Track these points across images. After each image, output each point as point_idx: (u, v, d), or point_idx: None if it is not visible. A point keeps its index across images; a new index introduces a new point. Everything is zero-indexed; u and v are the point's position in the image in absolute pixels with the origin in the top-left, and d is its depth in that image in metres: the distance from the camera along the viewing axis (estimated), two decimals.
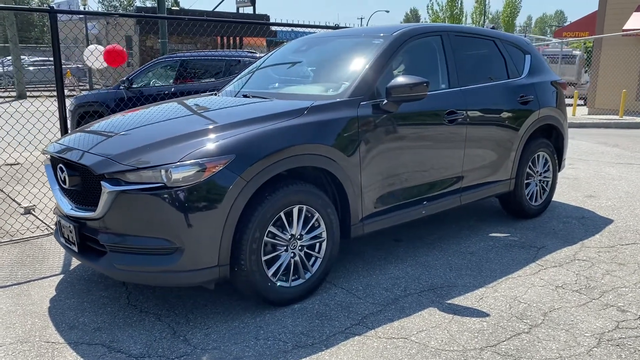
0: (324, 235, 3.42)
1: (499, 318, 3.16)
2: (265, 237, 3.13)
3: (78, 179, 3.20)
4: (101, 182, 2.96)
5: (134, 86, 8.65)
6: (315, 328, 3.06)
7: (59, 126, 4.81)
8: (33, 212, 5.30)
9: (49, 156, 3.58)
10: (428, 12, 55.05)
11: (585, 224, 4.91)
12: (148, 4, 63.88)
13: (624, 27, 14.82)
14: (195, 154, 2.92)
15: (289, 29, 7.58)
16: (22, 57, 25.54)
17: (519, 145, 4.68)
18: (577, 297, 3.44)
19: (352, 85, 3.65)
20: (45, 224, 4.93)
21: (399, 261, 4.04)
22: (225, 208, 2.93)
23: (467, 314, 3.21)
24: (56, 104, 4.73)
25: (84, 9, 25.53)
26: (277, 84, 4.27)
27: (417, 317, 3.18)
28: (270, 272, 3.19)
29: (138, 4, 59.72)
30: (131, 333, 3.02)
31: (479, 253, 4.19)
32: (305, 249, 3.35)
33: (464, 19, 52.66)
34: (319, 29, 6.26)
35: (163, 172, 2.87)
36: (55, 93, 4.73)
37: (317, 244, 3.42)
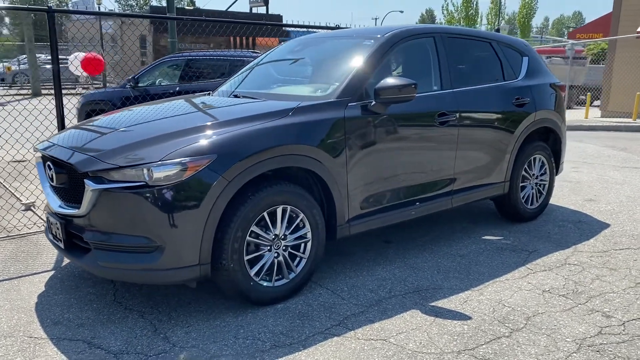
0: (309, 235, 3.43)
1: (480, 321, 3.15)
2: (248, 237, 3.14)
3: (65, 177, 3.24)
4: (84, 180, 3.00)
5: (139, 85, 8.74)
6: (295, 328, 3.07)
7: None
8: (33, 209, 5.38)
9: (40, 154, 3.63)
10: (443, 13, 54.89)
11: (581, 228, 4.86)
12: (164, 3, 64.44)
13: (639, 29, 14.62)
14: (177, 153, 2.95)
15: (299, 29, 7.59)
16: (38, 55, 25.93)
17: (514, 147, 4.65)
18: (563, 301, 3.41)
19: (341, 86, 3.66)
20: (43, 221, 5.00)
21: (387, 263, 4.03)
22: (207, 207, 2.95)
23: (449, 317, 3.20)
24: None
25: (99, 9, 25.83)
26: (269, 85, 4.29)
27: (398, 319, 3.18)
28: (253, 272, 3.20)
29: (154, 3, 60.09)
30: (113, 330, 3.06)
31: (470, 256, 4.17)
32: (289, 249, 3.37)
33: (479, 19, 52.42)
34: (324, 30, 6.27)
35: (145, 170, 2.90)
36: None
37: (302, 245, 3.43)
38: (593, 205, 5.61)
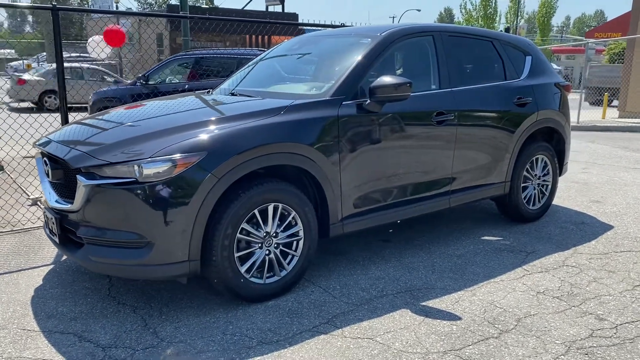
0: (301, 233, 3.44)
1: (470, 322, 3.13)
2: (238, 234, 3.16)
3: (60, 173, 3.29)
4: (77, 175, 3.04)
5: (150, 82, 8.84)
6: (283, 325, 3.08)
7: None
8: (39, 204, 5.46)
9: (39, 149, 3.69)
10: (461, 12, 54.43)
11: (583, 229, 4.80)
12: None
13: None
14: (167, 150, 2.98)
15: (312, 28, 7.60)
16: None
17: (515, 147, 4.60)
18: (556, 303, 3.37)
19: (335, 84, 3.66)
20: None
21: (382, 262, 4.03)
22: (196, 204, 2.98)
23: (438, 317, 3.18)
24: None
25: (117, 7, 26.14)
26: (266, 83, 4.31)
27: (387, 318, 3.17)
28: (243, 269, 3.22)
29: (173, 1, 60.58)
30: (104, 324, 3.10)
31: (466, 256, 4.15)
32: (281, 247, 3.38)
33: (497, 18, 51.91)
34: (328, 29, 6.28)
35: (135, 167, 2.94)
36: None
37: (294, 242, 3.44)
38: (598, 207, 5.54)
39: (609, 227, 4.86)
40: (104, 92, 9.42)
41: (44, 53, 25.27)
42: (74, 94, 9.78)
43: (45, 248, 4.31)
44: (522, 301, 3.40)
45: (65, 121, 4.85)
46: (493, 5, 50.71)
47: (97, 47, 9.75)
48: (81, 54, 29.12)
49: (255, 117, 3.29)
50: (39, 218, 5.01)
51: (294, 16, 29.69)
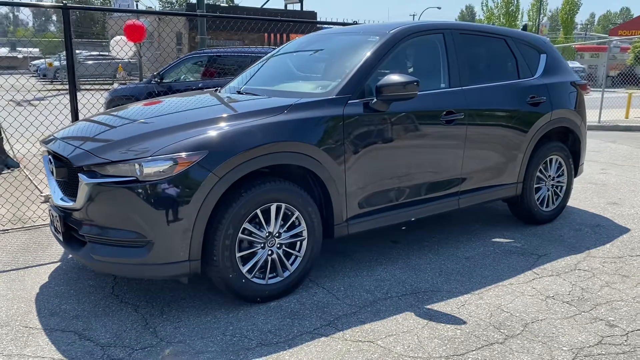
0: (305, 234, 3.40)
1: (475, 326, 3.06)
2: (240, 234, 3.13)
3: (64, 171, 3.30)
4: (79, 174, 3.04)
5: (164, 81, 8.86)
6: (284, 327, 3.05)
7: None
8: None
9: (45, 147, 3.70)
10: (482, 9, 53.88)
11: (598, 232, 4.68)
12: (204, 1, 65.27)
13: None
14: (168, 149, 2.96)
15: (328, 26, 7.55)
16: (79, 51, 26.66)
17: (527, 148, 4.50)
18: (565, 308, 3.28)
19: (341, 83, 3.61)
20: None
21: (389, 263, 3.97)
22: (197, 203, 2.95)
23: (442, 321, 3.12)
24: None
25: (136, 6, 26.39)
26: (274, 81, 4.27)
27: (390, 320, 3.12)
28: (245, 269, 3.19)
29: (193, 0, 60.98)
30: (106, 322, 3.10)
31: (475, 258, 4.07)
32: (284, 247, 3.34)
33: (519, 16, 51.26)
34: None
35: (136, 166, 2.92)
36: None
37: (298, 243, 3.40)
38: (616, 209, 5.39)
39: (625, 230, 4.73)
40: (118, 90, 9.48)
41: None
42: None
43: (53, 245, 4.33)
44: (530, 306, 3.31)
45: (75, 118, 4.87)
46: (515, 2, 50.09)
47: (118, 47, 9.90)
48: (101, 52, 29.48)
49: (258, 116, 3.26)
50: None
51: (312, 14, 29.64)
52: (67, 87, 4.86)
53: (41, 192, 5.72)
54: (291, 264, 3.39)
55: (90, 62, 27.96)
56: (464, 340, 2.91)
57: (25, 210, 5.09)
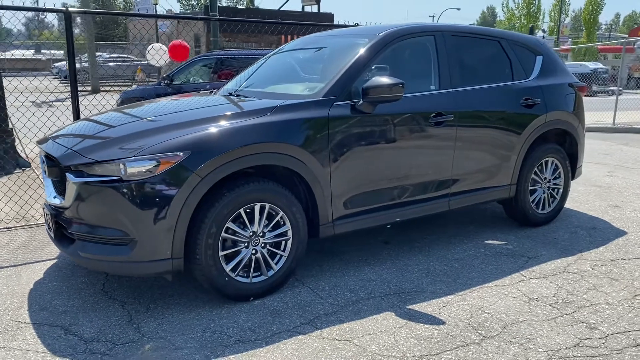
0: (289, 233, 3.45)
1: (453, 327, 3.07)
2: (223, 233, 3.19)
3: (56, 170, 3.39)
4: (66, 173, 3.14)
5: (174, 83, 9.00)
6: (264, 325, 3.10)
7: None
8: None
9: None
10: (503, 10, 53.44)
11: (594, 235, 4.64)
12: (224, 3, 65.82)
13: None
14: (151, 150, 3.03)
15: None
16: (99, 54, 27.13)
17: (521, 149, 4.48)
18: (548, 310, 3.28)
19: (328, 85, 3.65)
20: None
21: (377, 263, 3.99)
22: (179, 203, 3.02)
23: (421, 321, 3.14)
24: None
25: (155, 8, 26.73)
26: (265, 83, 4.33)
27: (369, 320, 3.15)
28: (228, 267, 3.25)
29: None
30: (92, 318, 3.18)
31: (464, 260, 4.07)
32: (268, 247, 3.40)
33: (541, 16, 50.70)
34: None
35: (121, 165, 3.01)
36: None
37: (283, 242, 3.45)
38: (616, 212, 5.34)
39: (622, 233, 4.69)
40: (130, 92, 9.65)
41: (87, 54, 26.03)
42: None
43: (51, 243, 4.43)
44: (512, 307, 3.32)
45: (77, 117, 5.00)
46: (536, 3, 49.57)
47: (157, 55, 10.05)
48: (120, 55, 29.93)
49: (242, 118, 3.32)
50: None
51: (330, 16, 29.73)
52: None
53: None
54: (276, 263, 3.44)
55: (111, 64, 28.51)
56: (440, 340, 2.93)
57: (29, 209, 5.23)
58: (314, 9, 31.74)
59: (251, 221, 3.30)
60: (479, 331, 3.03)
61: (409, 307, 3.31)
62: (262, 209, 3.32)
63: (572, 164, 4.99)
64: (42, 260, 4.07)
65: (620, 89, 13.45)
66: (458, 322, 3.13)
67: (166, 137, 3.12)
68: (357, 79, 3.70)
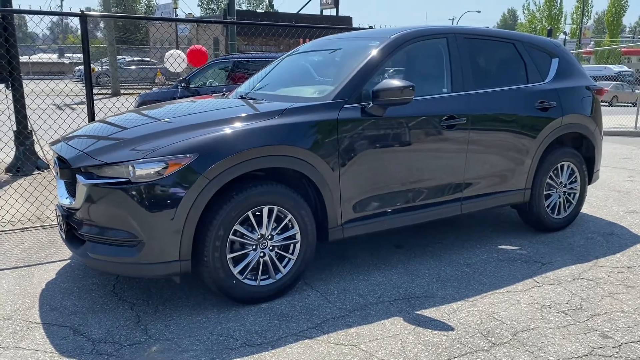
0: (298, 236, 3.44)
1: (462, 333, 3.02)
2: (231, 236, 3.19)
3: (67, 172, 3.43)
4: (76, 175, 3.17)
5: (191, 86, 9.06)
6: (270, 328, 3.09)
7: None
8: None
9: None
10: (524, 13, 52.92)
11: (611, 241, 4.54)
12: (244, 7, 66.25)
13: None
14: (160, 152, 3.05)
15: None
16: (121, 57, 27.53)
17: (536, 153, 4.41)
18: (560, 318, 3.21)
19: (338, 87, 3.63)
20: None
21: (388, 267, 3.96)
22: (186, 205, 3.03)
23: (430, 327, 3.10)
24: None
25: (175, 12, 27.04)
26: (276, 86, 4.33)
27: (377, 325, 3.12)
28: (236, 270, 3.25)
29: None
30: (101, 319, 3.20)
31: (476, 265, 4.02)
32: (276, 250, 3.39)
33: (563, 19, 50.10)
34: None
35: (130, 167, 3.02)
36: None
37: (291, 245, 3.44)
38: (635, 218, 5.23)
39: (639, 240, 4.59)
40: (147, 94, 9.74)
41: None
42: None
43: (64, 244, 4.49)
44: (523, 314, 3.26)
45: (92, 119, 5.06)
46: (558, 5, 49.01)
47: (175, 62, 10.16)
48: (143, 58, 30.28)
49: (250, 120, 3.32)
50: None
51: (348, 19, 29.73)
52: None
53: None
54: (284, 266, 3.43)
55: (132, 67, 28.91)
56: (448, 347, 2.88)
57: (44, 210, 5.30)
58: (333, 12, 31.77)
59: (259, 224, 3.30)
60: (489, 338, 2.98)
61: (418, 312, 3.27)
62: (270, 211, 3.31)
63: (589, 168, 4.90)
64: (55, 261, 4.12)
65: None
66: (467, 328, 3.08)
67: (175, 139, 3.13)
68: (368, 82, 3.68)
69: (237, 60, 9.22)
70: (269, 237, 3.34)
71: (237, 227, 3.21)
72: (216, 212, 3.13)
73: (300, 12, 30.32)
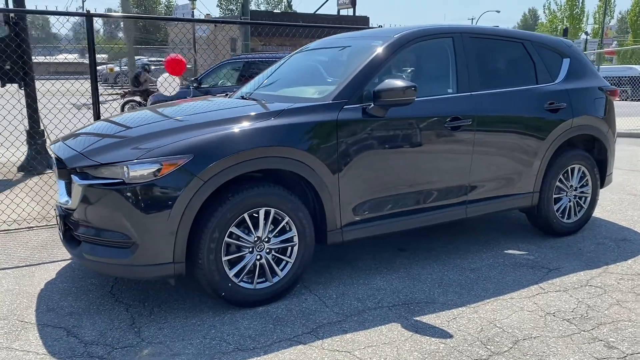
0: (296, 239, 3.38)
1: (461, 341, 2.94)
2: (226, 238, 3.15)
3: (65, 173, 3.41)
4: (72, 175, 3.15)
5: (202, 86, 9.07)
6: (265, 333, 3.03)
7: None
8: None
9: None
10: (544, 12, 52.29)
11: (622, 246, 4.41)
12: (262, 7, 66.46)
13: None
14: (154, 153, 3.01)
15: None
16: (139, 57, 27.76)
17: (545, 156, 4.29)
18: (564, 326, 3.10)
19: (338, 88, 3.57)
20: None
21: (390, 271, 3.88)
22: (180, 207, 2.99)
23: (428, 334, 3.01)
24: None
25: (192, 12, 27.17)
26: (278, 86, 4.28)
27: (373, 331, 3.04)
28: (232, 273, 3.20)
29: (253, 7, 62.05)
30: (95, 320, 3.18)
31: (481, 270, 3.92)
32: (273, 252, 3.33)
33: (585, 18, 49.35)
34: None
35: (124, 168, 3.00)
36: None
37: (289, 248, 3.39)
38: None
39: None
40: (160, 95, 9.77)
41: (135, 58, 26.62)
42: None
43: None
44: (526, 322, 3.16)
45: (97, 118, 5.07)
46: (580, 4, 48.29)
47: (166, 84, 10.17)
48: (159, 59, 30.50)
49: (247, 121, 3.27)
50: None
51: (365, 19, 29.58)
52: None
53: None
54: (281, 270, 3.38)
55: (152, 67, 29.10)
56: (445, 355, 2.80)
57: (50, 209, 5.32)
58: (350, 12, 31.68)
59: (256, 226, 3.25)
60: (488, 346, 2.89)
61: (417, 318, 3.19)
62: (267, 213, 3.26)
63: (601, 171, 4.76)
64: (57, 261, 4.12)
65: None
66: (467, 336, 3.00)
67: (170, 140, 3.10)
68: (370, 82, 3.61)
69: (248, 60, 9.20)
70: (266, 239, 3.29)
71: (232, 229, 3.16)
72: (211, 214, 3.09)
73: (317, 13, 30.27)
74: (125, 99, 13.17)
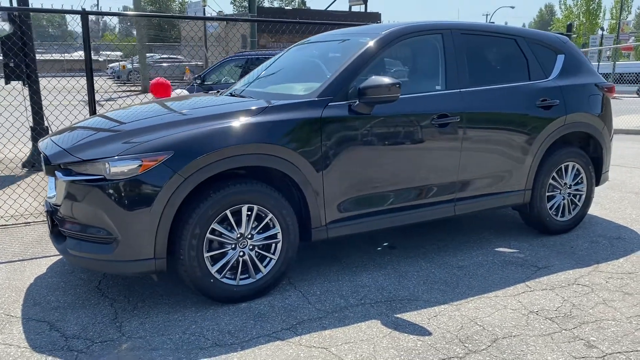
0: (279, 236, 3.39)
1: (439, 338, 2.93)
2: (208, 234, 3.17)
3: (51, 169, 3.45)
4: (55, 171, 3.19)
5: (206, 83, 9.12)
6: (244, 328, 3.05)
7: None
8: None
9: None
10: (560, 8, 51.65)
11: (616, 245, 4.35)
12: (275, 4, 66.49)
13: None
14: (135, 149, 3.04)
15: None
16: (151, 55, 27.97)
17: (537, 153, 4.25)
18: (546, 325, 3.08)
19: (323, 85, 3.57)
20: None
21: (376, 269, 3.88)
22: (161, 203, 3.01)
23: (407, 331, 3.01)
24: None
25: (204, 10, 27.25)
26: (267, 83, 4.28)
27: (352, 328, 3.05)
28: (214, 269, 3.22)
29: (266, 4, 62.06)
30: (79, 315, 3.22)
31: (469, 268, 3.90)
32: (257, 249, 3.35)
33: (601, 14, 48.66)
34: None
35: (106, 165, 3.03)
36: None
37: (272, 245, 3.40)
38: None
39: None
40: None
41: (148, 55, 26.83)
42: None
43: None
44: (507, 320, 3.14)
45: (93, 113, 5.12)
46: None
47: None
48: (170, 56, 30.70)
49: (229, 118, 3.28)
50: None
51: (376, 16, 29.46)
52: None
53: None
54: (265, 266, 3.39)
55: (164, 64, 29.34)
56: (422, 352, 2.80)
57: None
58: (362, 8, 31.56)
59: (239, 223, 3.26)
60: (466, 344, 2.88)
61: (398, 315, 3.19)
62: (250, 210, 3.27)
63: (596, 169, 4.70)
64: (49, 256, 4.17)
65: None
66: (446, 333, 2.99)
67: (151, 137, 3.12)
68: (356, 79, 3.60)
69: (250, 57, 9.22)
70: (249, 236, 3.31)
71: (214, 225, 3.18)
72: (193, 210, 3.11)
73: (328, 9, 30.21)
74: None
